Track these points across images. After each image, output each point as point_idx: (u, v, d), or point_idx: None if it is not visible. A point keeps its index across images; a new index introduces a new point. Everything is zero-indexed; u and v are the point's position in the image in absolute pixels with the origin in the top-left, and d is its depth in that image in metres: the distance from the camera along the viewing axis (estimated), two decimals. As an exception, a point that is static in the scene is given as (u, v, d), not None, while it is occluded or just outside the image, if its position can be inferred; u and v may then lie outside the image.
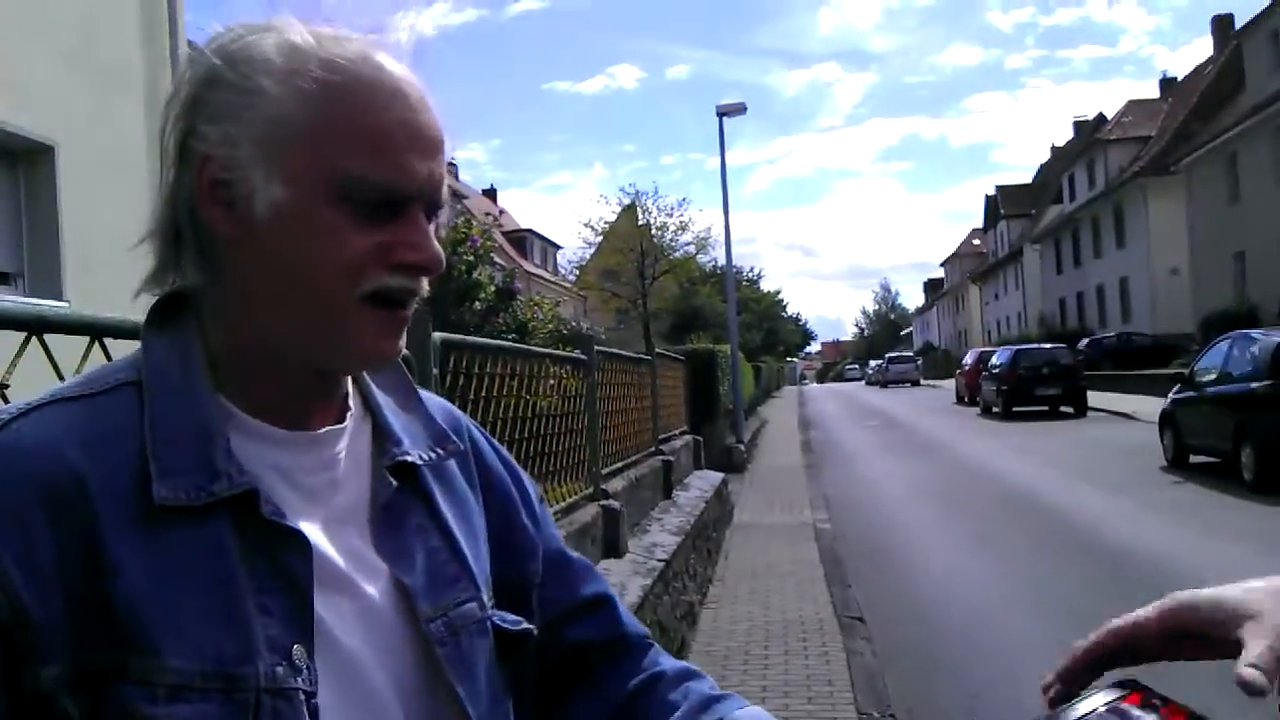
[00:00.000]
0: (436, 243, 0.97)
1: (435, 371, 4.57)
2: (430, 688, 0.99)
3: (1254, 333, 15.37)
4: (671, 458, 10.10)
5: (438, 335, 4.60)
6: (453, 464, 1.11)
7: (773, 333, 71.53)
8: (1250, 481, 12.70)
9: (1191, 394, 15.36)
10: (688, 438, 12.67)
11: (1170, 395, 16.50)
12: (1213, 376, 14.85)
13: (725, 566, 9.37)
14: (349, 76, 0.92)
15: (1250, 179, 33.51)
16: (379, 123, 0.92)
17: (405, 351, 1.04)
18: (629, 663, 1.16)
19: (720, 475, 12.50)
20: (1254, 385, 13.15)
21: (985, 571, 9.20)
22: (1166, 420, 16.31)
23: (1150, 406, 18.14)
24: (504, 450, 1.20)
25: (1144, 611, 0.88)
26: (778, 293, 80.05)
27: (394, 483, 1.03)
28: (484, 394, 5.03)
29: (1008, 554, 9.90)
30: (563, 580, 1.18)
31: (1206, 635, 0.85)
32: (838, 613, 7.42)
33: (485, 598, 1.06)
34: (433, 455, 1.07)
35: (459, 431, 1.14)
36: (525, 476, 1.21)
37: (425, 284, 0.98)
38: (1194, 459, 15.32)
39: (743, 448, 19.00)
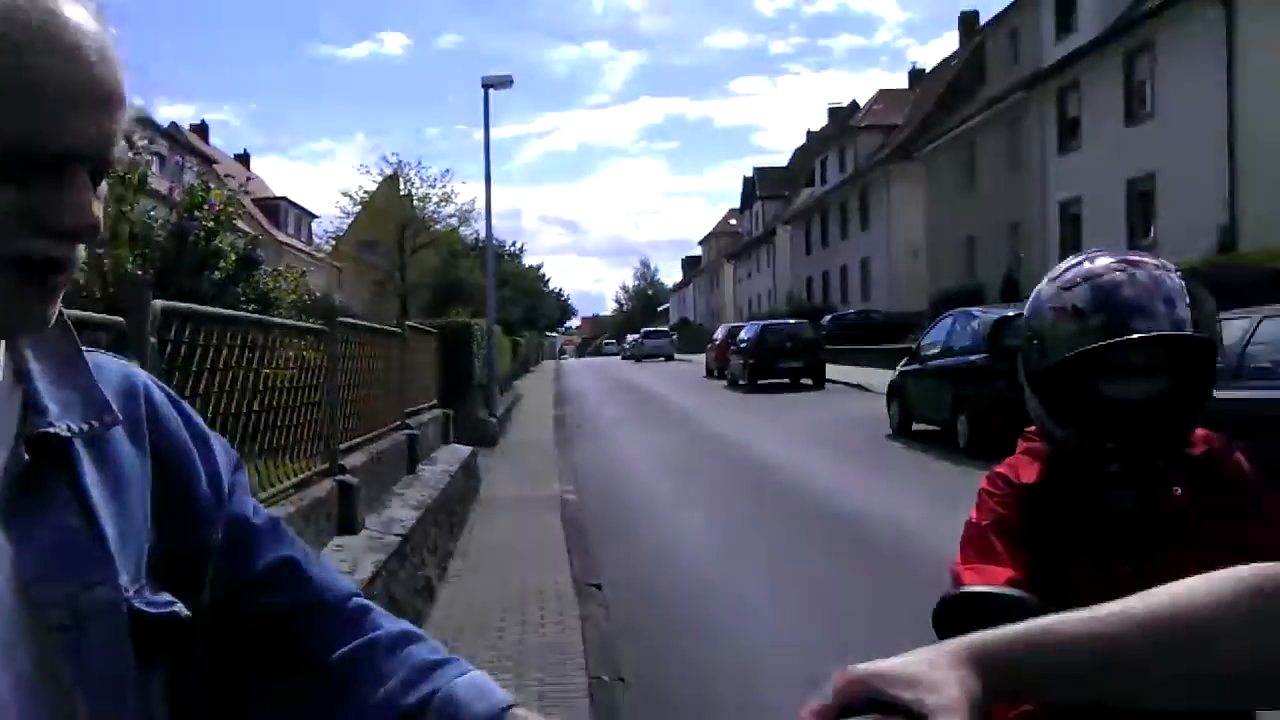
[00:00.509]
0: (97, 207, 0.90)
1: (154, 341, 4.38)
2: (55, 682, 0.90)
3: (974, 310, 16.61)
4: (418, 432, 10.01)
5: (158, 304, 4.40)
6: (117, 434, 1.03)
7: (534, 307, 71.73)
8: (963, 447, 13.74)
9: (917, 367, 16.44)
10: (437, 411, 12.57)
11: (898, 368, 17.61)
12: (936, 351, 15.94)
13: (469, 540, 9.38)
14: (6, 18, 0.85)
15: (985, 167, 35.99)
16: (29, 71, 0.85)
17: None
18: (334, 628, 1.10)
19: (469, 449, 12.47)
20: (972, 358, 14.21)
21: (723, 538, 9.58)
22: (894, 392, 17.40)
23: (883, 379, 19.33)
24: (195, 416, 1.14)
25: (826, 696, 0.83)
26: (539, 267, 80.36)
27: (26, 456, 0.95)
28: (210, 365, 4.87)
29: (744, 521, 10.34)
30: (243, 547, 1.10)
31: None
32: (576, 582, 7.56)
33: (125, 580, 0.98)
34: (84, 426, 1.00)
35: (134, 398, 1.07)
36: (217, 442, 1.14)
37: (81, 250, 0.91)
38: (917, 427, 16.42)
39: (495, 421, 19.00)
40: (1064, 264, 1.90)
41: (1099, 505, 1.86)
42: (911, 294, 40.53)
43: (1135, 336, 1.72)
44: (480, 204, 45.43)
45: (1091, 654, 0.87)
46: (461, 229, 48.37)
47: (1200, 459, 1.88)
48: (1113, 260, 1.81)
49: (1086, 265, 1.83)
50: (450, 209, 47.71)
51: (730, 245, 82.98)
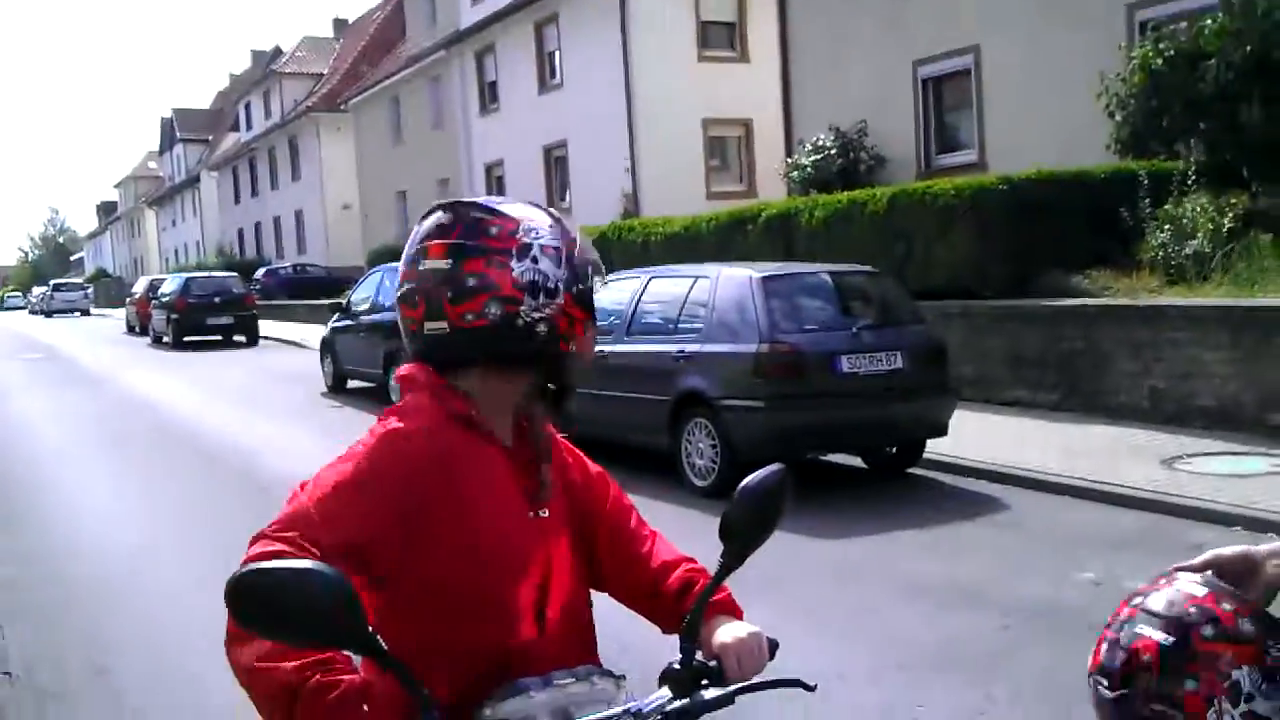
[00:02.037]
0: None
1: None
2: None
3: (398, 265, 16.83)
4: None
5: None
6: None
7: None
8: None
9: (349, 322, 16.41)
10: None
11: (330, 323, 17.46)
12: (366, 306, 16.01)
13: None
14: None
15: (411, 124, 36.44)
16: None
17: None
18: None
19: None
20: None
21: (140, 511, 8.99)
22: (326, 347, 17.25)
23: (319, 335, 19.07)
24: None
25: None
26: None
27: None
28: None
29: (165, 490, 9.76)
30: None
31: None
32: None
33: None
34: None
35: None
36: None
37: None
38: (351, 384, 16.44)
39: None
40: None
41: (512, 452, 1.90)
42: (348, 248, 40.30)
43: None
44: None
45: None
46: None
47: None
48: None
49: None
50: None
51: (152, 190, 77.10)
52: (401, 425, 1.79)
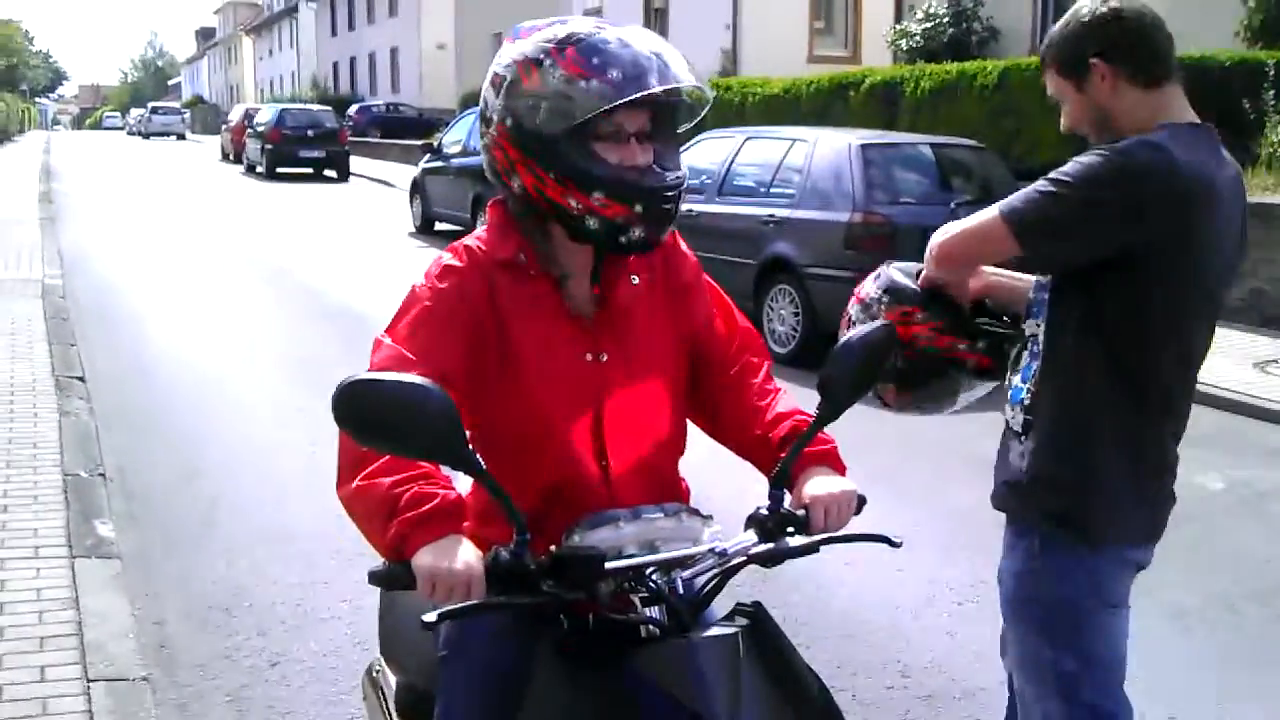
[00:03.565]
0: None
1: None
2: None
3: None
4: None
5: None
6: None
7: (12, 68, 62.99)
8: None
9: (439, 164, 16.41)
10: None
11: (420, 164, 17.47)
12: (458, 149, 15.97)
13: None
14: None
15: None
16: None
17: None
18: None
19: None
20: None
21: (225, 334, 9.18)
22: (416, 189, 17.31)
23: (408, 175, 19.10)
24: None
25: None
26: (18, 23, 70.28)
27: None
28: None
29: (250, 316, 9.97)
30: None
31: None
32: (55, 373, 6.99)
33: None
34: None
35: None
36: None
37: None
38: (439, 226, 16.53)
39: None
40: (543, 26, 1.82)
41: (571, 293, 1.88)
42: (441, 89, 39.95)
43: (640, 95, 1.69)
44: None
45: None
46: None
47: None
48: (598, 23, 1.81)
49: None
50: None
51: (250, 18, 76.95)
52: (456, 263, 1.84)
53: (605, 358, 1.87)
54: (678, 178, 1.80)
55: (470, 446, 1.54)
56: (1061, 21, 2.28)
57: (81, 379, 7.09)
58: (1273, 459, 6.40)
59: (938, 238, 2.33)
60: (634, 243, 1.78)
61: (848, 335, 1.83)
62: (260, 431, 6.35)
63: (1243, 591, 4.51)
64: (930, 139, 9.51)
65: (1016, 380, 2.31)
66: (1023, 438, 2.27)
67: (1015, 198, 2.18)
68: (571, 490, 1.80)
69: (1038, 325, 2.26)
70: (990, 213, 2.20)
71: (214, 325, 9.43)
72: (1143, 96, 2.18)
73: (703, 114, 1.89)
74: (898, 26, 18.17)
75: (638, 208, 1.74)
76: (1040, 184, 2.15)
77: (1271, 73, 10.84)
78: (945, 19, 17.00)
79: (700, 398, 2.01)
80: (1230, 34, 12.10)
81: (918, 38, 17.21)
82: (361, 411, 1.48)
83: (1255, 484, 5.89)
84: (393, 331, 1.79)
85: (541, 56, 1.73)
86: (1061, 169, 2.13)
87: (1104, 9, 2.20)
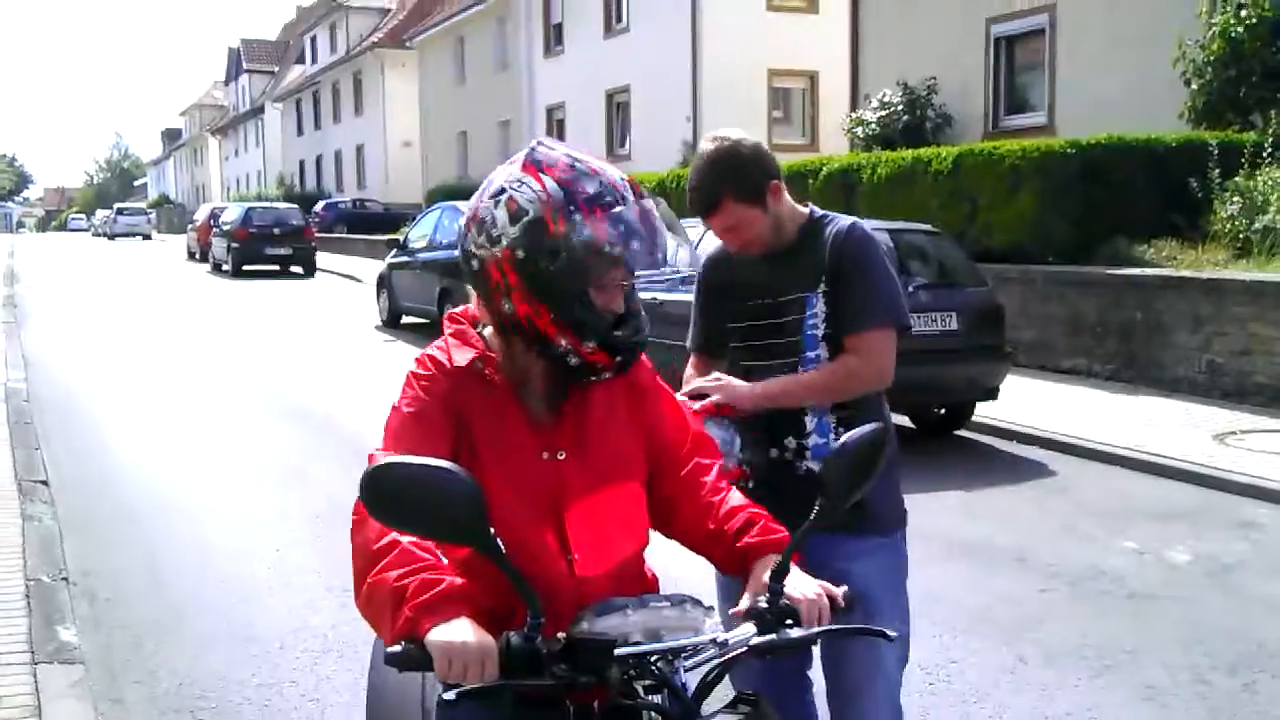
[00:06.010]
0: None
1: None
2: None
3: (461, 205, 16.89)
4: None
5: None
6: None
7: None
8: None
9: (406, 259, 16.51)
10: None
11: (386, 259, 17.58)
12: (424, 244, 16.10)
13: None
14: None
15: (475, 64, 36.33)
16: None
17: None
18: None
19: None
20: (457, 252, 14.47)
21: (190, 437, 9.11)
22: (382, 283, 17.39)
23: (374, 270, 19.23)
24: None
25: None
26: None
27: None
28: None
29: (215, 418, 9.89)
30: None
31: None
32: (18, 477, 6.92)
33: None
34: None
35: None
36: None
37: None
38: (406, 320, 16.58)
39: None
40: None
41: (529, 395, 1.97)
42: (407, 186, 40.37)
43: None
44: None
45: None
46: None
47: None
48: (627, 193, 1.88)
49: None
50: None
51: (216, 119, 77.65)
52: (423, 371, 1.95)
53: (563, 455, 1.93)
54: (647, 329, 1.96)
55: (492, 530, 1.59)
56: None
57: (45, 483, 7.01)
58: (1237, 531, 6.46)
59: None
60: (603, 379, 1.94)
61: (844, 438, 1.90)
62: (225, 534, 6.30)
63: (1213, 664, 4.53)
64: (887, 224, 9.67)
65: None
66: None
67: None
68: (538, 585, 1.82)
69: None
70: None
71: (179, 428, 9.37)
72: None
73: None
74: (854, 115, 18.60)
75: (619, 359, 1.91)
76: None
77: (1216, 152, 11.17)
78: (900, 107, 17.44)
79: (654, 497, 2.07)
80: (1175, 115, 12.47)
81: (874, 125, 17.62)
82: (388, 493, 1.53)
83: (1220, 556, 5.93)
84: (384, 443, 1.89)
85: (573, 210, 1.82)
86: None
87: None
